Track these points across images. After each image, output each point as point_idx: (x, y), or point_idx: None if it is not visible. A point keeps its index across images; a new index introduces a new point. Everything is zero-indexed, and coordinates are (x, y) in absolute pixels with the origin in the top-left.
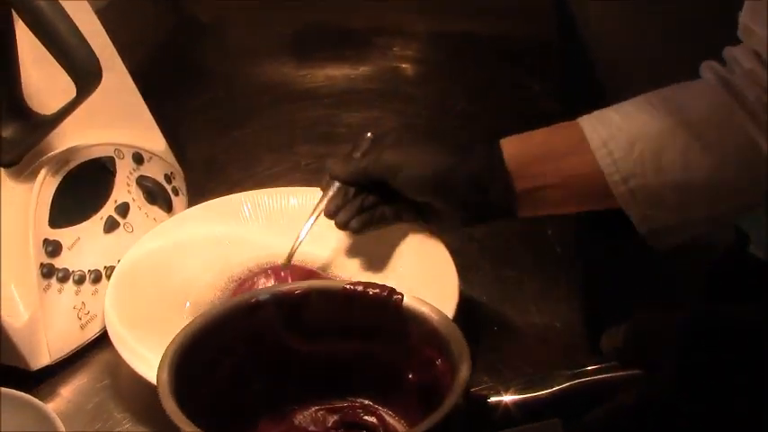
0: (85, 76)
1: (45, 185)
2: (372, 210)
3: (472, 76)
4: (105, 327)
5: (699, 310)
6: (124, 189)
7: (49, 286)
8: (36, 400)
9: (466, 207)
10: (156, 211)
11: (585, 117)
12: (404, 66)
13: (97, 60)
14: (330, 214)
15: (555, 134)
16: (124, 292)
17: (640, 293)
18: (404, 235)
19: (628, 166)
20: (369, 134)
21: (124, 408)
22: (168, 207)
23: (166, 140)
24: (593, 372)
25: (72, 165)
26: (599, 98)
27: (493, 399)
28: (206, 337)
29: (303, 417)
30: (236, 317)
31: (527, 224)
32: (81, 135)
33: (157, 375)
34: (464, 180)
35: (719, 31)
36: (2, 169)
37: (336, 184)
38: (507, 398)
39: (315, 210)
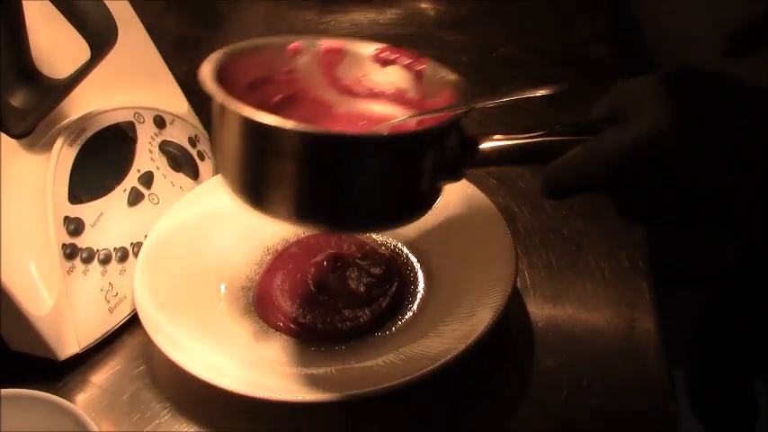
0: (100, 35)
1: (62, 157)
2: None
3: (512, 17)
4: (135, 309)
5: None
6: (147, 156)
7: (72, 268)
8: (67, 403)
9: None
10: (182, 178)
11: None
12: (437, 7)
13: (112, 18)
14: None
15: None
16: (154, 270)
17: None
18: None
19: None
20: None
21: (163, 396)
22: (195, 174)
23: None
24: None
25: (89, 133)
26: (644, 40)
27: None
28: (244, 60)
29: None
30: (275, 55)
31: None
32: (97, 99)
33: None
34: None
35: None
36: (15, 141)
37: None
38: (493, 144)
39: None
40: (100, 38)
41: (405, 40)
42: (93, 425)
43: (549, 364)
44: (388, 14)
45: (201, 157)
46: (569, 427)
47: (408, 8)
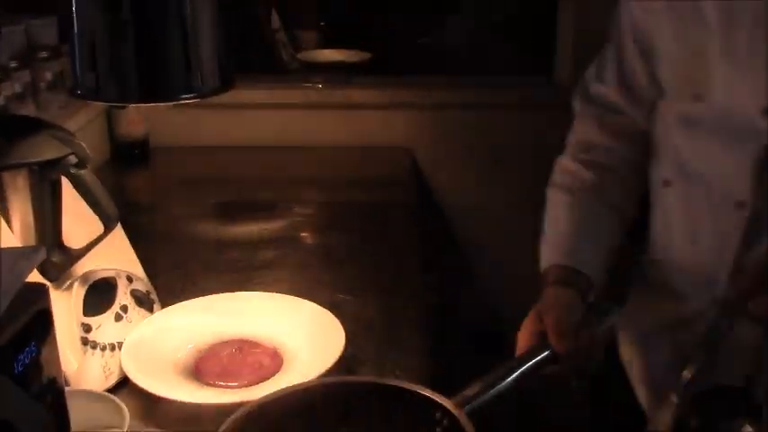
0: (110, 220)
1: (77, 292)
2: None
3: (350, 231)
4: (121, 377)
5: None
6: (124, 296)
7: (86, 351)
8: (111, 396)
9: None
10: (143, 311)
11: None
12: (301, 221)
13: (116, 211)
14: None
15: None
16: (131, 358)
17: None
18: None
19: None
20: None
21: (133, 415)
22: (150, 309)
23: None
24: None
25: (91, 281)
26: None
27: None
28: None
29: None
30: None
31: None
32: (93, 263)
33: None
34: None
35: None
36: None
37: None
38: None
39: None
40: (110, 221)
41: (284, 241)
42: (123, 407)
43: None
44: (269, 225)
45: (153, 301)
46: None
47: (287, 219)
